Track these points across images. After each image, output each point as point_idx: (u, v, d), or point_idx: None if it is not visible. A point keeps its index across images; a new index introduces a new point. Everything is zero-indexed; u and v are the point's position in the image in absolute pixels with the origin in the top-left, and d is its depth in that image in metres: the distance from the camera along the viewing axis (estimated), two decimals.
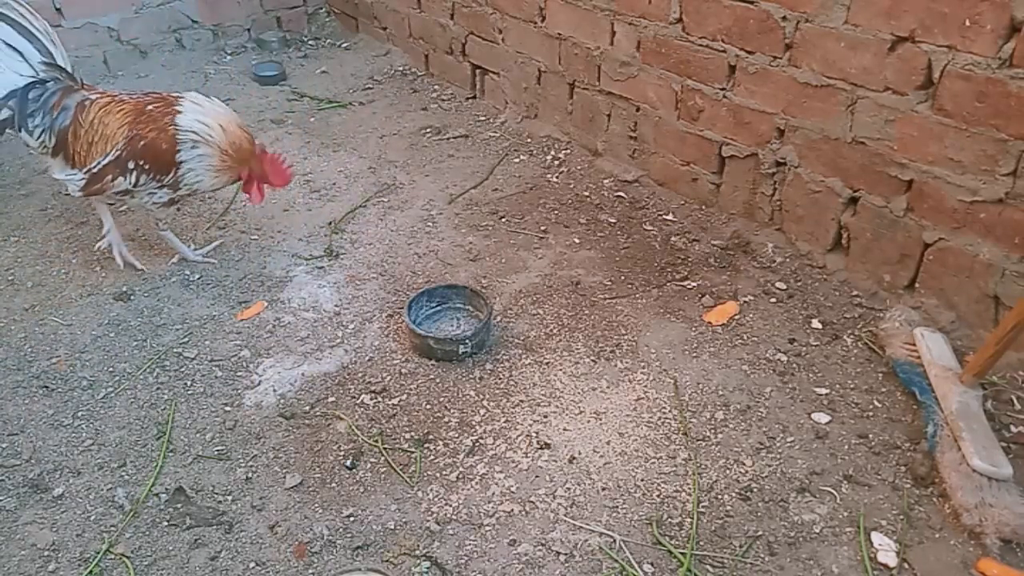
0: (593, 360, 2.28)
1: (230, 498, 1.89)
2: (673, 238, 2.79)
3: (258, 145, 2.50)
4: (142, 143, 2.37)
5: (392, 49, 4.36)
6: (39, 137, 2.38)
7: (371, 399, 2.16)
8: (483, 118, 3.70)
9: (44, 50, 2.42)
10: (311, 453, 2.01)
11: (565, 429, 2.05)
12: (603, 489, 1.89)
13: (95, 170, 2.40)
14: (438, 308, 2.48)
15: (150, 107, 2.42)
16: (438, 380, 2.22)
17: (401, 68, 4.22)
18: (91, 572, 1.72)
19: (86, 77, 4.05)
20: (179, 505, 1.87)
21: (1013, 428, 1.99)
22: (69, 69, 2.47)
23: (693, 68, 2.75)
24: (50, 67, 2.41)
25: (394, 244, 2.82)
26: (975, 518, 1.73)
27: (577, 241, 2.81)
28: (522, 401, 2.14)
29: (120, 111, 2.41)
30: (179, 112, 2.40)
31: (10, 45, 2.35)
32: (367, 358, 2.31)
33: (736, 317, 2.41)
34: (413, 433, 2.05)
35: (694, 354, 2.29)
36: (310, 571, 1.72)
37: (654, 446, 2.00)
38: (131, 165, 2.39)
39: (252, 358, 2.32)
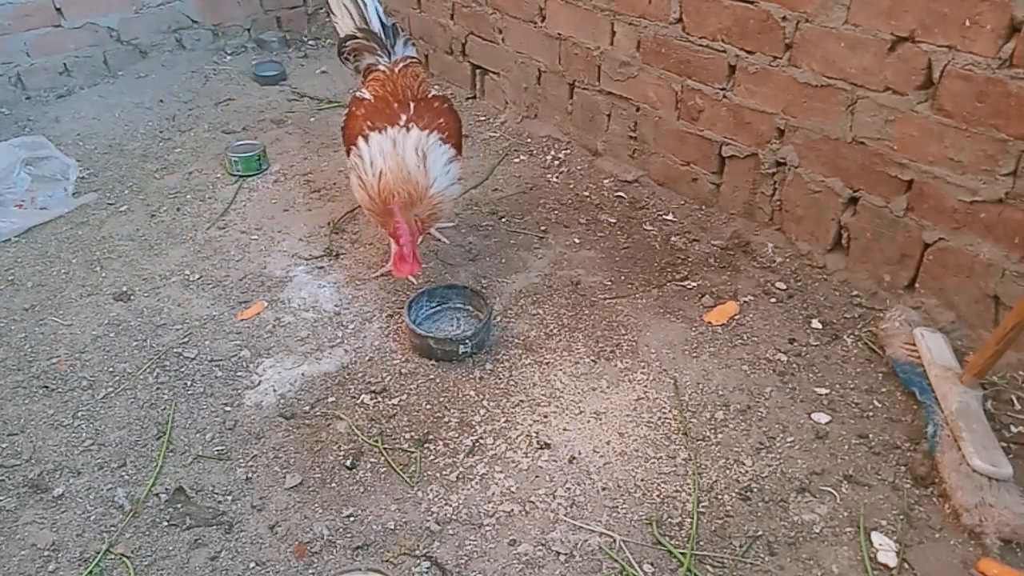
0: (593, 360, 2.28)
1: (230, 498, 1.89)
2: (673, 238, 2.79)
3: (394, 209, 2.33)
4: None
5: None
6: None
7: (371, 399, 2.16)
8: (483, 118, 3.70)
9: (361, 17, 2.73)
10: (311, 453, 2.01)
11: (565, 429, 2.05)
12: (603, 489, 1.89)
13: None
14: (438, 308, 2.48)
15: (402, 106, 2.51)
16: (438, 380, 2.22)
17: None
18: (91, 572, 1.72)
19: (86, 77, 4.12)
20: (179, 505, 1.87)
21: (1013, 428, 1.99)
22: (379, 34, 2.71)
23: (693, 68, 2.75)
24: (361, 31, 2.71)
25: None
26: (975, 518, 1.73)
27: (577, 241, 2.81)
28: (522, 401, 2.14)
29: (373, 81, 2.62)
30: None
31: (345, 7, 2.75)
32: (367, 358, 2.31)
33: (736, 317, 2.41)
34: (413, 433, 2.05)
35: (694, 354, 2.29)
36: (310, 571, 1.72)
37: (654, 446, 2.00)
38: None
39: (252, 358, 2.32)
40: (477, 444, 2.01)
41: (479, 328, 2.28)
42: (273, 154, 3.42)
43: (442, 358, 2.28)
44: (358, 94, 2.63)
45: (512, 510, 1.84)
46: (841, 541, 1.75)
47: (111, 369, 2.29)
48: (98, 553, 1.76)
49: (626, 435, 2.03)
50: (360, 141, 2.39)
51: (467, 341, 2.26)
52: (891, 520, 1.79)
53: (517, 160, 3.35)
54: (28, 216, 2.96)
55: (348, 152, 2.50)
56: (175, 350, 2.35)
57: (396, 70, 2.62)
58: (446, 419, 2.09)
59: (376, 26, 2.68)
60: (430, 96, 2.63)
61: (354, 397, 2.17)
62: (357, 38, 2.70)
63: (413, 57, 2.72)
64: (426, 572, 1.71)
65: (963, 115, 2.08)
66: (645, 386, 2.18)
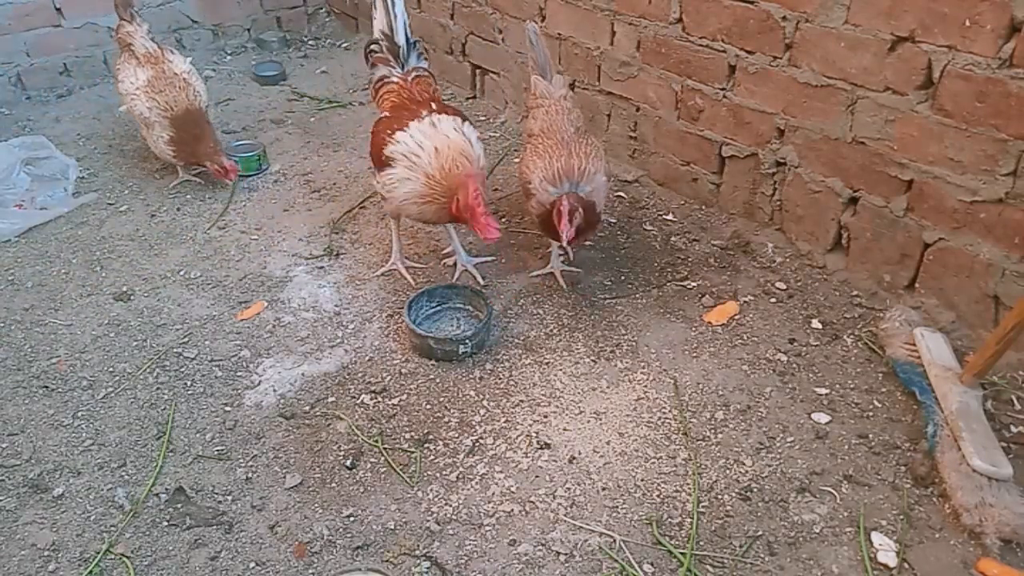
0: (593, 360, 2.28)
1: (230, 498, 1.89)
2: (673, 238, 2.79)
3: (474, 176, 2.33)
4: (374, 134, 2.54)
5: None
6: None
7: (371, 399, 2.16)
8: (483, 118, 3.70)
9: (388, 24, 2.66)
10: (311, 453, 2.01)
11: (565, 429, 2.05)
12: (603, 489, 1.89)
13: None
14: (438, 308, 2.48)
15: (406, 109, 2.51)
16: (438, 380, 2.22)
17: None
18: (91, 572, 1.72)
19: (86, 77, 4.11)
20: (179, 505, 1.87)
21: (1013, 428, 1.99)
22: (400, 44, 2.66)
23: (693, 68, 2.75)
24: (385, 36, 2.67)
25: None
26: (975, 518, 1.73)
27: None
28: (522, 401, 2.14)
29: (388, 94, 2.61)
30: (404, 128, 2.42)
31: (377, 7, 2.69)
32: (367, 358, 2.31)
33: (736, 317, 2.41)
34: (413, 433, 2.05)
35: (694, 354, 2.29)
36: (310, 571, 1.72)
37: (654, 446, 2.00)
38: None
39: (252, 358, 2.32)
40: (477, 444, 2.01)
41: (479, 328, 2.28)
42: (273, 154, 3.42)
43: (442, 358, 2.28)
44: (378, 116, 2.60)
45: (512, 510, 1.84)
46: (841, 541, 1.75)
47: (111, 369, 2.29)
48: (98, 553, 1.76)
49: (626, 435, 2.03)
50: (398, 137, 2.39)
51: (467, 341, 2.26)
52: (891, 520, 1.79)
53: (517, 160, 3.34)
54: (28, 216, 2.96)
55: (379, 166, 2.45)
56: (175, 350, 2.35)
57: (409, 79, 2.61)
58: (446, 419, 2.09)
59: (401, 39, 2.66)
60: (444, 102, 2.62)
61: (354, 397, 2.17)
62: (379, 43, 2.68)
63: (424, 68, 2.70)
64: (426, 572, 1.71)
65: (963, 115, 2.08)
66: (645, 386, 2.18)
